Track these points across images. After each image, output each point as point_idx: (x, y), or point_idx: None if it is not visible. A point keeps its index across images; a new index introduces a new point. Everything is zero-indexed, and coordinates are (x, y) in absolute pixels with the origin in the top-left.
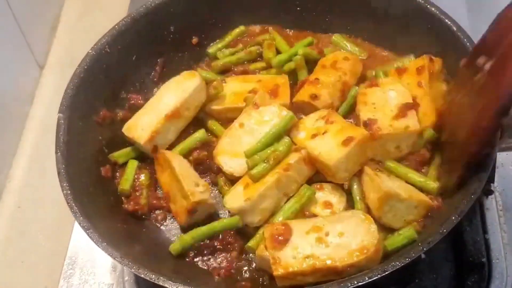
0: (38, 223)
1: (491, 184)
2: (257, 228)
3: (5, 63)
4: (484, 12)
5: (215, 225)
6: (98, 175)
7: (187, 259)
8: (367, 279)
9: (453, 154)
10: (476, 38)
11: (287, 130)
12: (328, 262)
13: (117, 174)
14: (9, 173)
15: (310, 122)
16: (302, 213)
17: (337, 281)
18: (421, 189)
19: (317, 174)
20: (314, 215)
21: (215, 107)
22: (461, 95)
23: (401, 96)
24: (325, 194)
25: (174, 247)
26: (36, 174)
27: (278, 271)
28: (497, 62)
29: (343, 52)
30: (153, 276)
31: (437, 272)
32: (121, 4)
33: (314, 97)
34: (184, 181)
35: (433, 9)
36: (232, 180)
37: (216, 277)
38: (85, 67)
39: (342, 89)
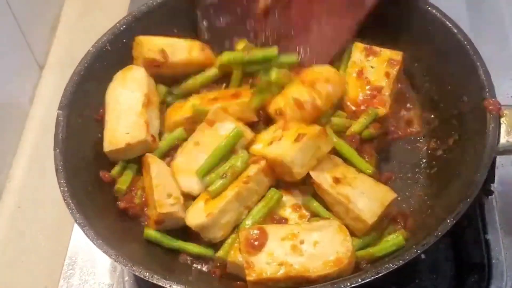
0: (38, 223)
1: (491, 184)
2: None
3: (5, 63)
4: (484, 12)
5: (190, 247)
6: (96, 173)
7: (183, 259)
8: (360, 280)
9: None
10: (476, 38)
11: (243, 145)
12: (302, 271)
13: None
14: (9, 173)
15: (268, 134)
16: (271, 216)
17: (331, 282)
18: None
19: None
20: (284, 219)
21: (177, 118)
22: None
23: None
24: (292, 198)
25: (147, 233)
26: (36, 174)
27: (251, 276)
28: None
29: (327, 71)
30: (147, 274)
31: (437, 272)
32: (121, 4)
33: (279, 113)
34: (157, 189)
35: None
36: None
37: (212, 276)
38: (86, 64)
39: (311, 113)
